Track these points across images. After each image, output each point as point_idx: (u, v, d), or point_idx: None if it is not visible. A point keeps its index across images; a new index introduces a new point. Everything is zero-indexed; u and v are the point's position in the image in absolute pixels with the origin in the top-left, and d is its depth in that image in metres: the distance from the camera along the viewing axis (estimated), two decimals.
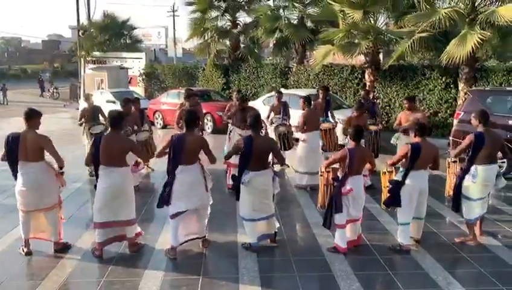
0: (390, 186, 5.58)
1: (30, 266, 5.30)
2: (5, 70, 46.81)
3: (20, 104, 24.67)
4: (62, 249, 5.53)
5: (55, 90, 30.33)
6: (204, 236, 5.64)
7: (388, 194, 5.61)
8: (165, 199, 5.37)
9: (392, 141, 8.47)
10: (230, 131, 8.65)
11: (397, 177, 5.61)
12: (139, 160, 7.69)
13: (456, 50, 11.01)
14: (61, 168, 5.48)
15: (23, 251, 5.43)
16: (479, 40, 10.72)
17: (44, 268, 5.16)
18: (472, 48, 10.77)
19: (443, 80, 13.22)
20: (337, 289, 4.74)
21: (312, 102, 8.53)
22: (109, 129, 5.52)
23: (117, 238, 5.50)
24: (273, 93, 12.28)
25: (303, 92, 13.47)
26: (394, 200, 5.51)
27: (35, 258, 5.41)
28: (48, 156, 5.44)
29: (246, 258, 5.43)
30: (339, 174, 5.57)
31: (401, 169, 5.61)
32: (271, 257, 5.55)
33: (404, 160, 5.52)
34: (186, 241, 5.54)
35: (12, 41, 70.59)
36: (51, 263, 5.29)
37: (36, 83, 35.00)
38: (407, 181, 5.45)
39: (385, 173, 6.05)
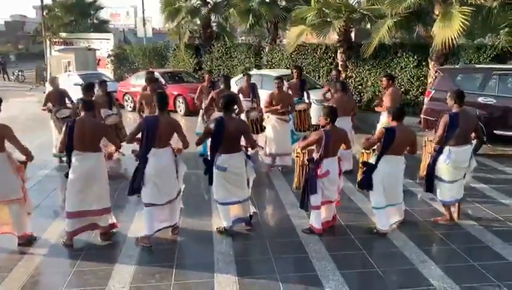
0: (364, 168, 5.55)
1: None
2: None
3: None
4: (27, 242, 5.30)
5: (20, 73, 29.21)
6: (175, 223, 5.52)
7: (362, 175, 5.59)
8: (136, 188, 5.21)
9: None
10: (203, 114, 8.52)
11: (371, 160, 5.58)
12: (111, 150, 7.41)
13: (443, 31, 10.69)
14: (28, 160, 5.24)
15: None
16: (464, 18, 10.33)
17: (10, 261, 4.96)
18: (460, 27, 10.36)
19: (415, 57, 13.29)
20: (312, 270, 4.74)
21: (286, 82, 8.42)
22: (82, 113, 5.26)
23: (88, 227, 5.33)
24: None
25: (276, 72, 13.35)
26: (366, 183, 5.50)
27: (0, 252, 5.19)
28: (8, 145, 5.15)
29: (221, 242, 5.36)
30: (314, 155, 5.51)
31: (375, 152, 5.58)
32: (246, 241, 5.50)
33: (378, 144, 5.47)
34: (159, 230, 5.41)
35: None
36: (17, 255, 5.09)
37: None
38: (379, 166, 5.41)
39: (363, 153, 6.05)
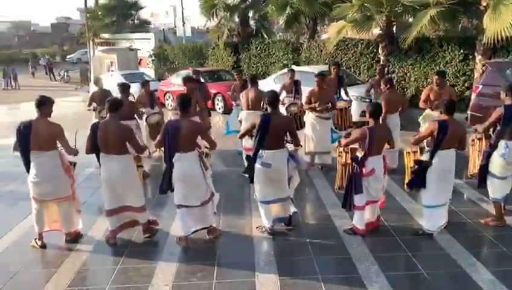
0: (416, 166, 5.36)
1: (44, 255, 5.26)
2: (15, 54, 46.95)
3: (32, 88, 24.75)
4: (74, 238, 5.46)
5: (65, 74, 30.27)
6: (210, 225, 5.48)
7: (412, 175, 5.41)
8: (164, 190, 5.29)
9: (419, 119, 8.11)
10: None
11: (423, 157, 5.39)
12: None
13: (494, 24, 10.07)
14: (74, 156, 5.38)
15: (36, 243, 5.34)
16: None
17: (58, 257, 5.13)
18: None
19: (461, 51, 12.79)
20: (355, 271, 4.64)
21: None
22: (107, 115, 5.29)
23: (128, 224, 5.43)
24: (284, 71, 12.01)
25: (315, 68, 13.19)
26: (419, 181, 5.30)
27: (48, 248, 5.37)
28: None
29: (262, 242, 5.34)
30: (358, 153, 5.37)
31: (426, 148, 5.38)
32: (287, 240, 5.45)
33: (430, 139, 5.28)
34: (196, 231, 5.39)
35: (21, 25, 70.54)
36: (65, 252, 5.25)
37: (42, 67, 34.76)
38: (434, 161, 5.20)
39: (409, 153, 5.87)
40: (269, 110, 5.48)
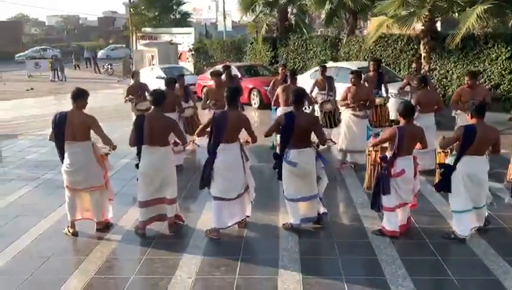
0: (441, 169, 5.18)
1: (75, 242, 5.43)
2: (64, 47, 48.65)
3: (77, 80, 25.61)
4: (104, 227, 5.61)
5: (109, 66, 31.16)
6: (246, 217, 5.54)
7: (440, 177, 5.22)
8: (205, 181, 5.31)
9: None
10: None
11: (448, 160, 5.20)
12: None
13: None
14: (111, 149, 5.52)
15: (69, 231, 5.51)
16: None
17: (88, 245, 5.28)
18: None
19: (508, 48, 12.21)
20: (381, 274, 4.52)
21: (363, 76, 8.10)
22: (152, 108, 5.44)
23: (158, 217, 5.51)
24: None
25: (353, 64, 12.95)
26: (444, 185, 5.13)
27: (80, 236, 5.53)
28: (94, 135, 5.47)
29: (287, 239, 5.30)
30: (388, 154, 5.23)
31: (453, 152, 5.18)
32: (313, 239, 5.39)
33: (457, 143, 5.06)
34: (231, 226, 5.44)
35: (70, 19, 73.09)
36: (95, 240, 5.41)
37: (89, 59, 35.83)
38: (459, 167, 5.00)
39: (440, 152, 5.67)
40: (294, 108, 5.40)
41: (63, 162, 5.42)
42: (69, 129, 5.27)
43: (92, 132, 5.39)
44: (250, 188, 5.58)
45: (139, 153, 5.35)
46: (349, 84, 7.79)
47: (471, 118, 5.06)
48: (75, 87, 5.56)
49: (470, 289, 4.25)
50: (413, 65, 10.37)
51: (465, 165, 4.99)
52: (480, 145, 4.98)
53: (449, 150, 5.42)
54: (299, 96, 5.42)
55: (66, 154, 5.37)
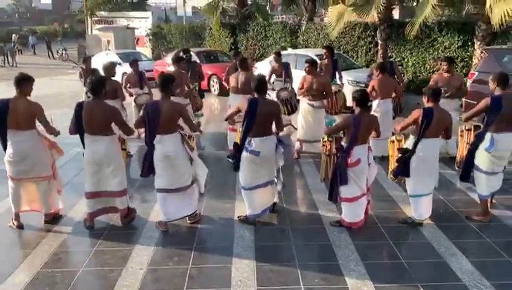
0: (399, 155, 5.20)
1: (21, 236, 5.19)
2: (15, 32, 46.34)
3: (29, 66, 24.53)
4: (52, 219, 5.39)
5: (64, 52, 29.97)
6: (194, 212, 5.38)
7: (396, 164, 5.25)
8: (145, 174, 5.13)
9: None
10: None
11: (407, 145, 5.24)
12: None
13: (499, 6, 9.70)
14: (54, 135, 5.26)
15: (13, 224, 5.27)
16: None
17: (35, 238, 5.07)
18: None
19: (460, 37, 12.56)
20: (334, 258, 4.57)
21: (318, 63, 8.09)
22: (90, 97, 5.14)
23: (108, 209, 5.32)
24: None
25: (312, 51, 12.99)
26: (402, 170, 5.14)
27: (27, 229, 5.30)
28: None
29: (242, 228, 5.26)
30: (343, 143, 5.17)
31: (411, 137, 5.22)
32: (268, 226, 5.36)
33: (414, 126, 5.11)
34: (177, 219, 5.28)
35: (22, 1, 69.69)
36: (43, 233, 5.19)
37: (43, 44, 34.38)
38: (418, 150, 5.05)
39: (393, 141, 5.71)
40: (256, 94, 5.24)
41: (5, 152, 5.13)
42: (13, 117, 4.97)
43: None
44: (200, 178, 5.36)
45: (82, 141, 5.12)
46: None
47: (427, 101, 5.13)
48: (19, 72, 5.25)
49: (419, 271, 4.34)
50: (370, 52, 10.46)
51: (425, 148, 5.04)
52: (438, 127, 5.05)
53: (402, 138, 5.46)
54: (261, 84, 5.28)
55: (8, 144, 5.08)
